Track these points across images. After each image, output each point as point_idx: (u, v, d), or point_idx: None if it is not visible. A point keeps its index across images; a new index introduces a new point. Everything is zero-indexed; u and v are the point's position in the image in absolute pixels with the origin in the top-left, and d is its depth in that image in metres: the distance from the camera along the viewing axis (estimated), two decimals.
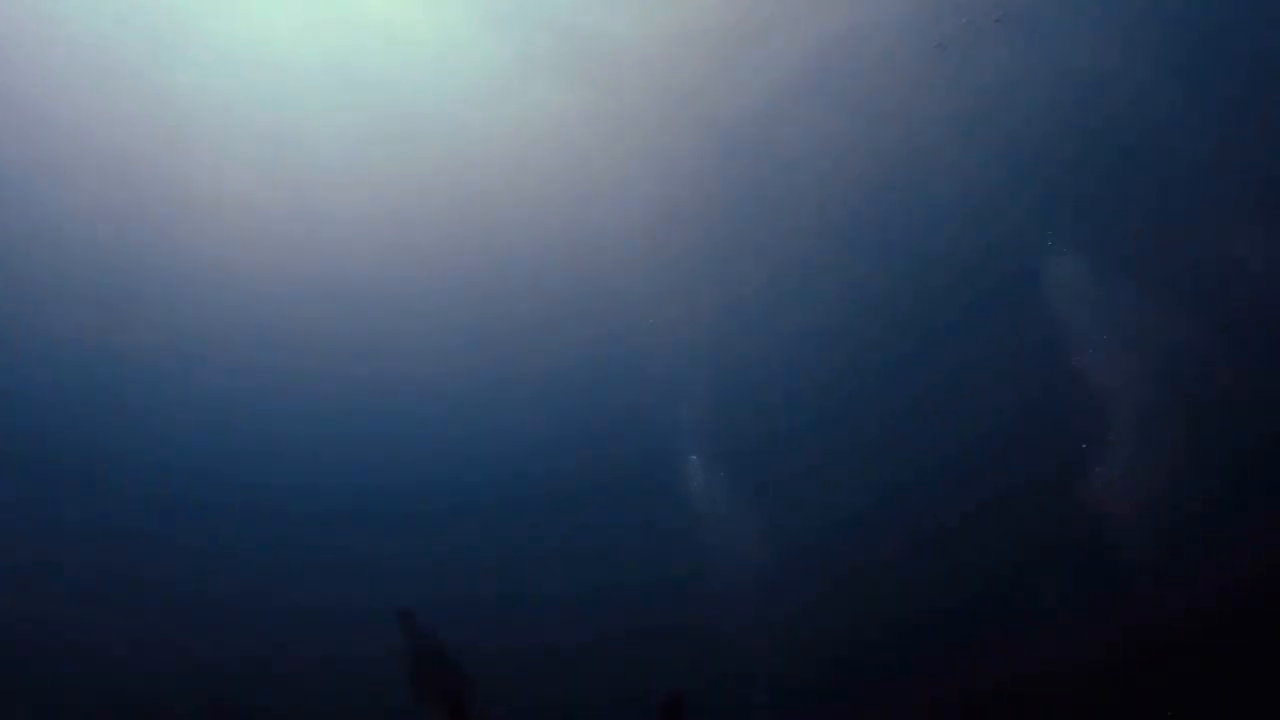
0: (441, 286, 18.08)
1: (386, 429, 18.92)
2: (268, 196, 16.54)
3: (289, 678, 15.75)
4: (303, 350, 18.21)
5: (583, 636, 16.14)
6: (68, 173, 15.91)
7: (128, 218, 16.54)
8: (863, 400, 17.68)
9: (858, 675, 14.85)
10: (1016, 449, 15.72)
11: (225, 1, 14.02)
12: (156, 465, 18.12)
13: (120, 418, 18.22)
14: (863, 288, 17.53)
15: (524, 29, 14.57)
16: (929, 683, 14.13)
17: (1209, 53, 15.44)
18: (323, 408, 18.65)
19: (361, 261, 17.68)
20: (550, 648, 15.95)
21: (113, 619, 16.47)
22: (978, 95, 15.81)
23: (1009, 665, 13.67)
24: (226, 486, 18.19)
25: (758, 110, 15.89)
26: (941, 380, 17.13)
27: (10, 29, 13.98)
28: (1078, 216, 15.69)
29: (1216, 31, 14.97)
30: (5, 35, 14.06)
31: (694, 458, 16.12)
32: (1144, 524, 13.14)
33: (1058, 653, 13.21)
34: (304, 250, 17.23)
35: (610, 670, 15.07)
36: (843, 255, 17.40)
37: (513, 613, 16.75)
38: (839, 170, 16.44)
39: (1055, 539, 14.44)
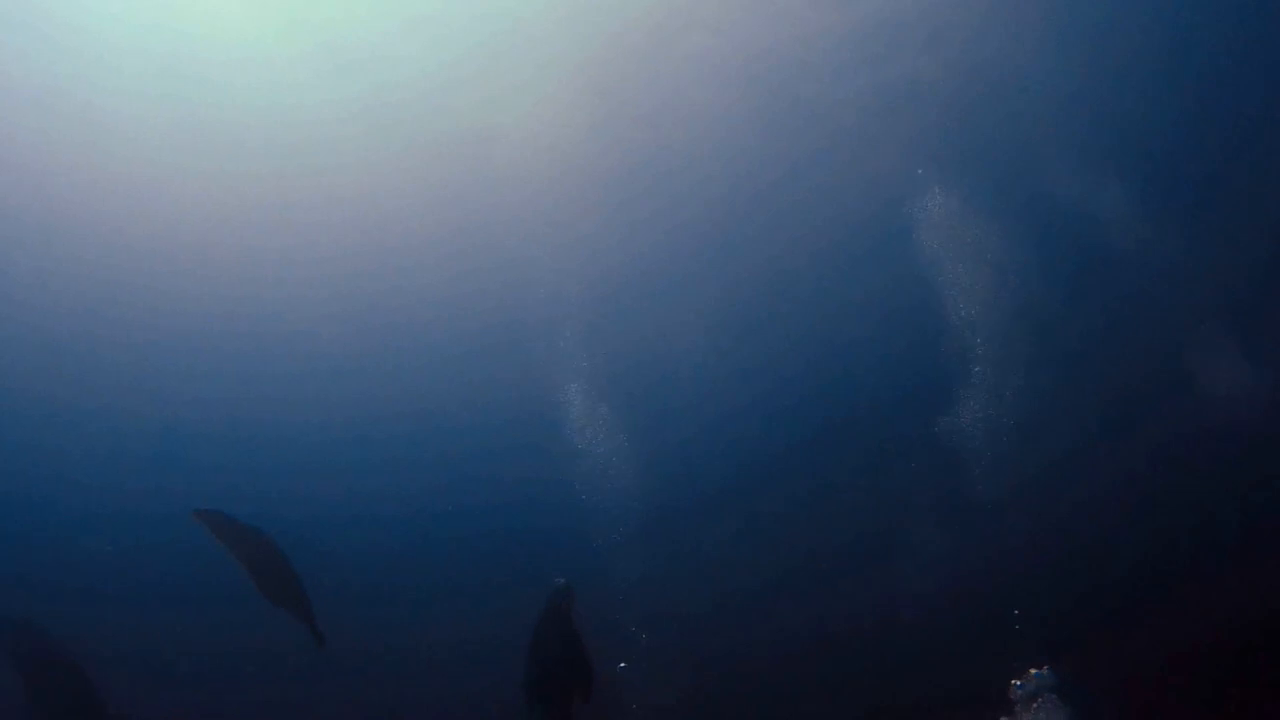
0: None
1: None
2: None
3: None
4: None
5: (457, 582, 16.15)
6: None
7: None
8: (748, 340, 17.89)
9: (739, 616, 15.16)
10: (888, 381, 16.19)
11: None
12: None
13: None
14: (746, 220, 17.65)
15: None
16: (805, 618, 14.48)
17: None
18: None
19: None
20: (413, 592, 16.00)
21: None
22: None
23: (884, 607, 14.08)
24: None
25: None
26: (818, 311, 17.44)
27: None
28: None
29: None
30: None
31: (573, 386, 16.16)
32: (1004, 454, 13.70)
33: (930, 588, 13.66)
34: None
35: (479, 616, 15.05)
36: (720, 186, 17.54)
37: (383, 559, 16.70)
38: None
39: (923, 469, 14.90)
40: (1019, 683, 10.19)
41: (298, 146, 17.05)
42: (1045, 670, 10.05)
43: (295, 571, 8.37)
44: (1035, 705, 10.07)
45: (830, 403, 17.56)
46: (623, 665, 11.66)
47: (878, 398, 16.75)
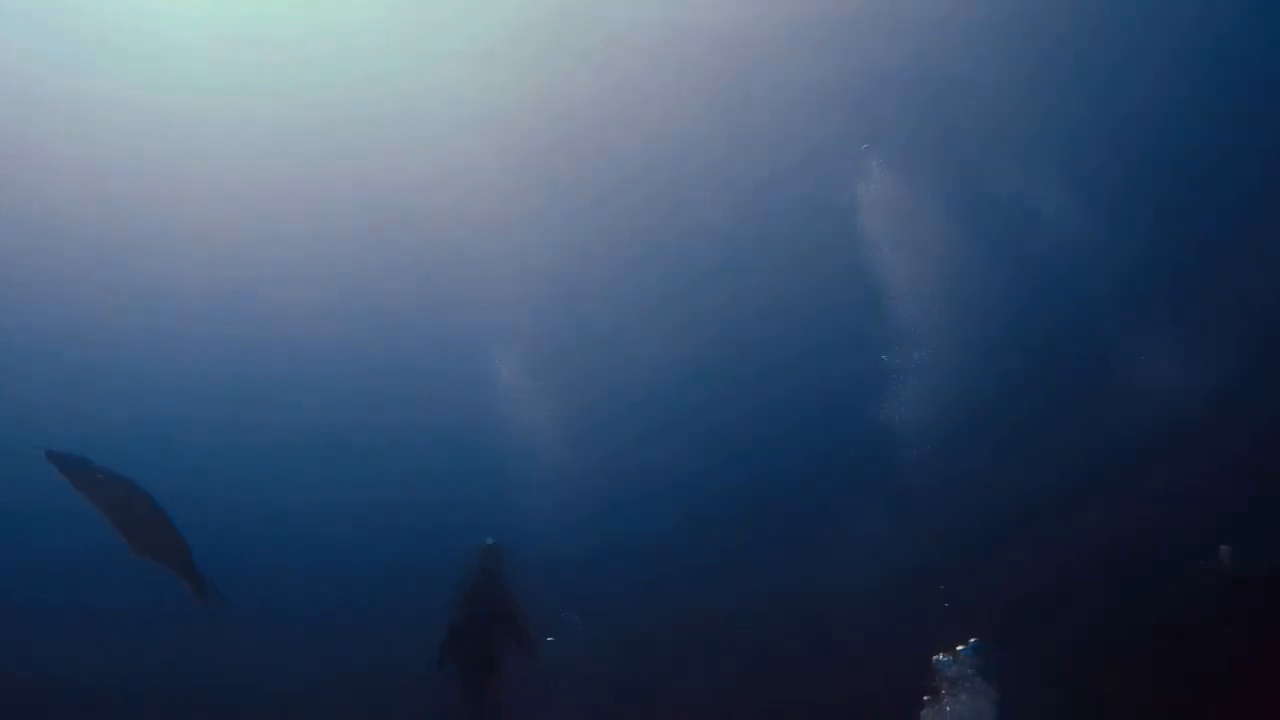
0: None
1: None
2: None
3: None
4: None
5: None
6: None
7: None
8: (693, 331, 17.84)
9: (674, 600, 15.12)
10: (829, 370, 16.25)
11: None
12: None
13: None
14: (672, 195, 17.64)
15: None
16: (719, 586, 14.48)
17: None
18: None
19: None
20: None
21: None
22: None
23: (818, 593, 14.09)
24: None
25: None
26: (759, 301, 17.44)
27: None
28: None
29: None
30: None
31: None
32: (934, 425, 13.85)
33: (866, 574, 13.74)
34: None
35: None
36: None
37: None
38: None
39: (862, 457, 15.00)
40: (944, 658, 10.26)
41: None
42: (972, 645, 10.13)
43: (172, 523, 7.90)
44: (960, 680, 10.14)
45: (771, 392, 17.56)
46: (550, 639, 11.48)
47: (818, 385, 16.81)
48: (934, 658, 10.45)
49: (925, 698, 10.64)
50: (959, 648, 10.13)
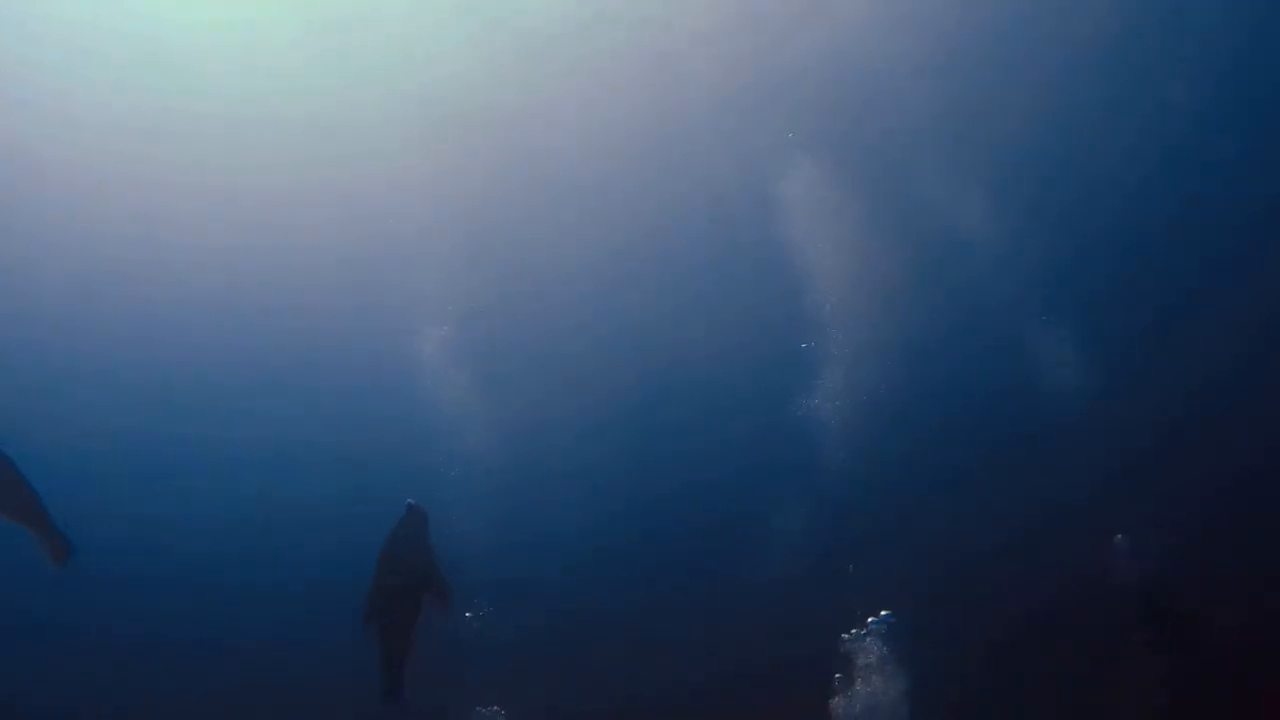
0: None
1: None
2: None
3: None
4: None
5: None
6: None
7: None
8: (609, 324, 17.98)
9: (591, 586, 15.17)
10: (748, 368, 16.55)
11: None
12: None
13: None
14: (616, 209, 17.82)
15: None
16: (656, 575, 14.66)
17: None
18: None
19: None
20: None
21: None
22: None
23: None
24: None
25: None
26: (680, 296, 17.71)
27: None
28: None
29: None
30: None
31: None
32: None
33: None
34: None
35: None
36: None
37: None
38: None
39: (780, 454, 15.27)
40: (855, 631, 10.52)
41: None
42: (883, 617, 10.41)
43: (32, 487, 7.67)
44: (869, 652, 10.41)
45: (692, 389, 17.73)
46: (468, 615, 11.44)
47: (738, 383, 17.05)
48: (842, 634, 10.73)
49: (837, 676, 10.90)
50: (869, 620, 10.42)
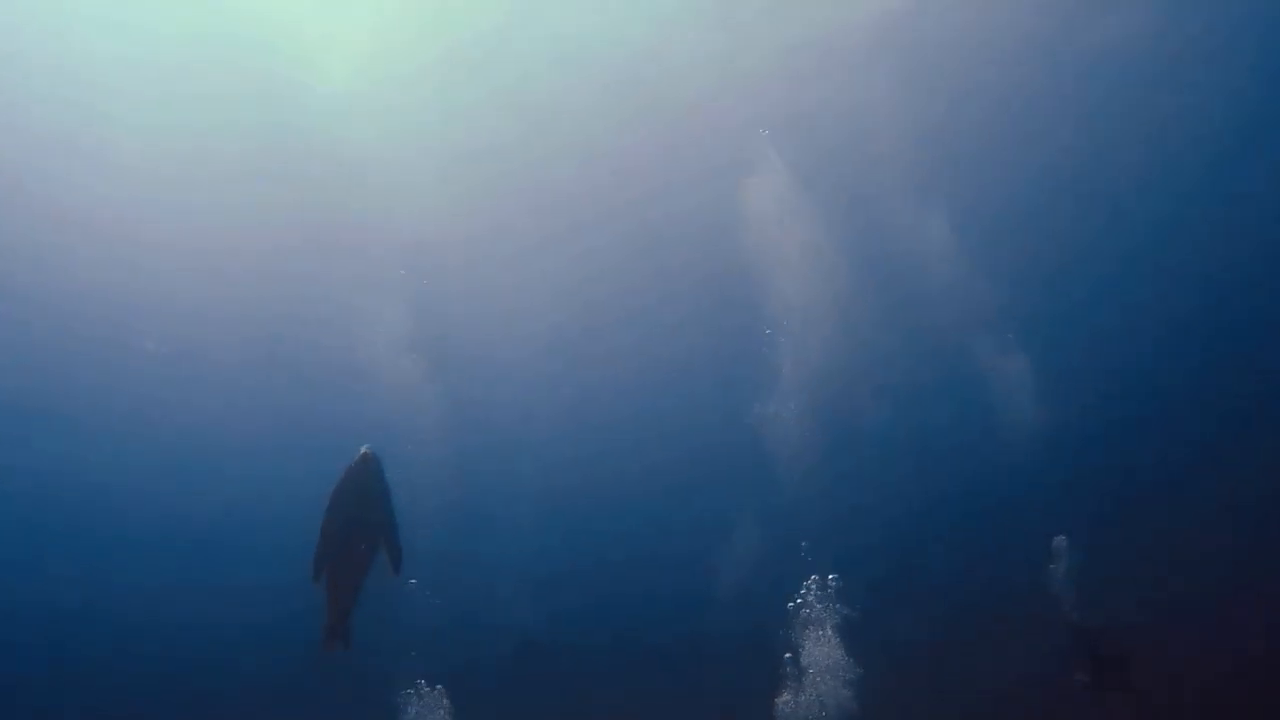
0: None
1: None
2: None
3: None
4: None
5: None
6: None
7: None
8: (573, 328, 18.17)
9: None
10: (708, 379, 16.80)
11: None
12: None
13: None
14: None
15: None
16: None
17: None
18: None
19: None
20: None
21: None
22: None
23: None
24: None
25: None
26: (643, 300, 17.96)
27: None
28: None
29: None
30: None
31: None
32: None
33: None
34: None
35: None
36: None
37: None
38: None
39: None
40: (802, 594, 10.59)
41: None
42: (831, 580, 10.51)
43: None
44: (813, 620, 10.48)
45: (648, 399, 17.90)
46: (413, 581, 11.30)
47: (697, 393, 17.26)
48: (789, 602, 10.79)
49: (786, 655, 10.92)
50: (813, 576, 10.49)
